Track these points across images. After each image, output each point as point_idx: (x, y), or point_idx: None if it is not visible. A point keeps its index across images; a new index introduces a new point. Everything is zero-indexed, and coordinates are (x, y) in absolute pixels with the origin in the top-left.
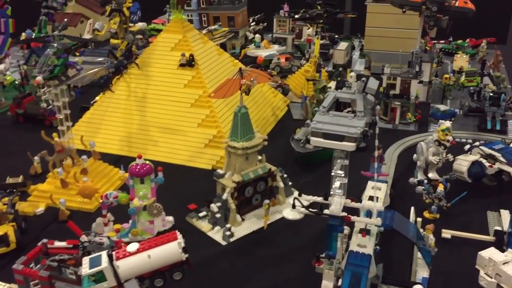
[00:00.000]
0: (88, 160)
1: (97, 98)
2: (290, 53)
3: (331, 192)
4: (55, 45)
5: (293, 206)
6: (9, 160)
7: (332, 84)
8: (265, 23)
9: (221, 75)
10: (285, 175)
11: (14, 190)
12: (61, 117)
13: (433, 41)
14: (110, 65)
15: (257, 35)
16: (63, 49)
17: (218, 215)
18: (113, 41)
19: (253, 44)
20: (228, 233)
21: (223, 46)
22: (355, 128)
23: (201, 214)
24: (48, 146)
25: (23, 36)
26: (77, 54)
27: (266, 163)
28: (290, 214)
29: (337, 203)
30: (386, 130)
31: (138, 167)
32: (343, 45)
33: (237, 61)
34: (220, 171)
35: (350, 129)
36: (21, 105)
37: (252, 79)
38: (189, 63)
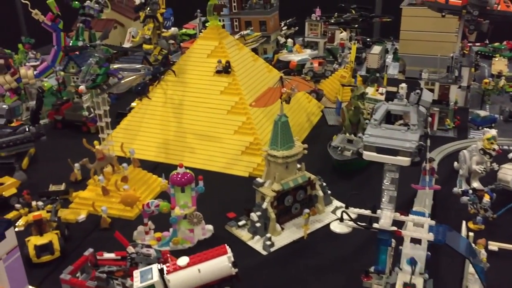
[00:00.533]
0: (128, 167)
1: (133, 104)
2: (323, 57)
3: (381, 206)
4: (97, 54)
5: (341, 220)
6: (49, 167)
7: (369, 90)
8: (297, 27)
9: (257, 81)
10: (324, 184)
11: (57, 198)
12: (102, 125)
13: (469, 44)
14: (147, 72)
15: (289, 40)
16: (105, 58)
17: (258, 224)
18: (145, 46)
19: (285, 48)
20: (268, 242)
21: (254, 51)
22: (410, 142)
23: (240, 223)
24: (86, 153)
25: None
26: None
27: (306, 171)
28: (337, 227)
29: (386, 217)
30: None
31: (179, 176)
32: (376, 48)
33: (271, 66)
34: (259, 180)
35: (405, 143)
36: (60, 111)
37: (292, 87)
38: (225, 69)
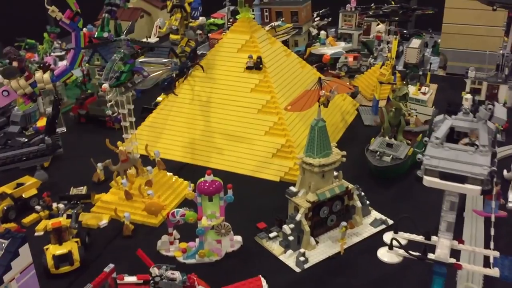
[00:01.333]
0: (152, 171)
1: (159, 98)
2: (358, 51)
3: (438, 234)
4: (122, 50)
5: (390, 247)
6: (71, 165)
7: (410, 88)
8: (330, 18)
9: (289, 78)
10: (362, 193)
11: (78, 202)
12: (126, 125)
13: None
14: (174, 67)
15: (322, 32)
16: (130, 54)
17: (291, 238)
18: (172, 36)
19: (317, 41)
20: (302, 258)
21: (285, 43)
22: (481, 167)
23: (271, 235)
24: (110, 151)
25: (84, 31)
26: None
27: (343, 180)
28: (385, 255)
29: (444, 247)
30: None
31: (207, 184)
32: (415, 42)
33: (305, 62)
34: (293, 189)
35: (474, 168)
36: (84, 105)
37: (332, 89)
38: (257, 65)
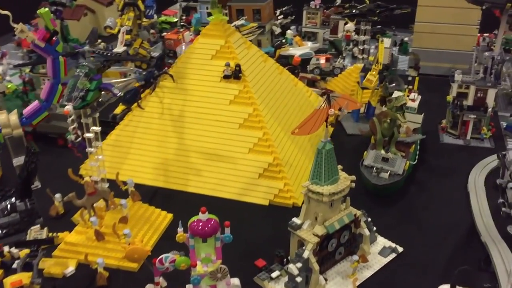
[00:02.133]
0: (127, 205)
1: (117, 110)
2: (325, 51)
3: None
4: (86, 63)
5: None
6: None
7: (396, 94)
8: (293, 16)
9: (270, 86)
10: (369, 219)
11: (39, 249)
12: (92, 151)
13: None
14: (138, 76)
15: (289, 31)
16: (96, 69)
17: (299, 279)
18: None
19: (284, 40)
20: None
21: None
22: None
23: (273, 275)
24: (64, 174)
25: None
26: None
27: (351, 207)
28: None
29: None
30: (457, 147)
31: (201, 224)
32: (386, 41)
33: (283, 67)
34: (296, 221)
35: None
36: None
37: (341, 108)
38: (235, 74)
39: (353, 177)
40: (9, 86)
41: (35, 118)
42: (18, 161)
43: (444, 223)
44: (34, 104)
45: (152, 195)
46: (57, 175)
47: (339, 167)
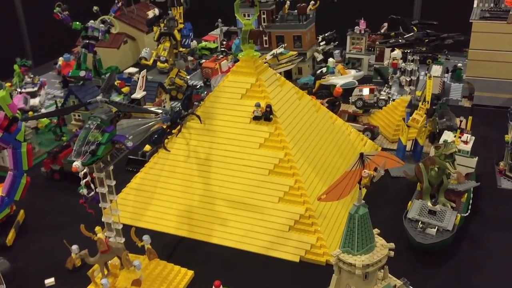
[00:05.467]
0: (141, 266)
1: (146, 147)
2: (373, 81)
3: None
4: (97, 115)
5: None
6: (41, 240)
7: (447, 136)
8: (336, 42)
9: (304, 128)
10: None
11: None
12: (106, 207)
13: None
14: (165, 117)
15: (331, 59)
16: (109, 120)
17: None
18: (160, 64)
19: (325, 70)
20: None
21: (288, 72)
22: None
23: None
24: (89, 217)
25: (61, 61)
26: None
27: (391, 276)
28: None
29: None
30: None
31: None
32: (436, 69)
33: (320, 103)
34: None
35: None
36: (57, 160)
37: (377, 167)
38: (266, 115)
39: (392, 245)
40: (42, 120)
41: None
42: None
43: (501, 286)
44: None
45: (174, 247)
46: (81, 217)
47: (376, 231)
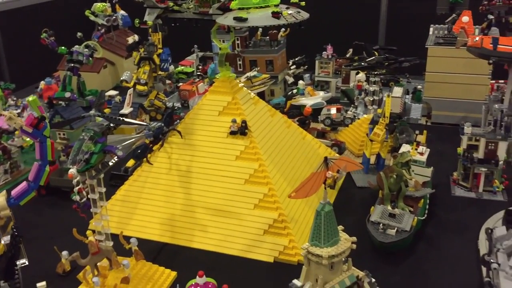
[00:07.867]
0: (129, 265)
1: (128, 163)
2: (340, 101)
3: None
4: (90, 127)
5: None
6: (30, 251)
7: (405, 147)
8: (306, 66)
9: (276, 141)
10: (373, 280)
11: None
12: (97, 212)
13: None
14: (147, 133)
15: (301, 81)
16: (101, 132)
17: None
18: (139, 87)
19: (295, 91)
20: None
21: (261, 93)
22: None
23: None
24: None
25: (42, 84)
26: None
27: (354, 268)
28: None
29: None
30: (469, 200)
31: None
32: (397, 90)
33: (291, 120)
34: (296, 283)
35: None
36: None
37: (340, 169)
38: (241, 130)
39: (354, 238)
40: (27, 139)
41: (23, 199)
42: (6, 240)
43: (453, 281)
44: (22, 185)
45: (158, 252)
46: (68, 229)
47: (340, 227)
